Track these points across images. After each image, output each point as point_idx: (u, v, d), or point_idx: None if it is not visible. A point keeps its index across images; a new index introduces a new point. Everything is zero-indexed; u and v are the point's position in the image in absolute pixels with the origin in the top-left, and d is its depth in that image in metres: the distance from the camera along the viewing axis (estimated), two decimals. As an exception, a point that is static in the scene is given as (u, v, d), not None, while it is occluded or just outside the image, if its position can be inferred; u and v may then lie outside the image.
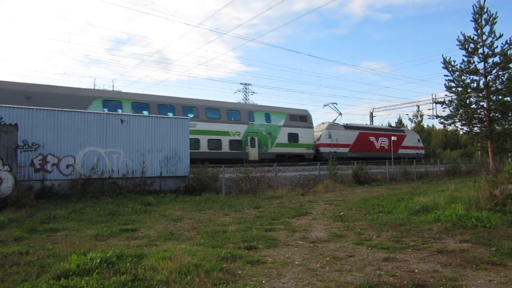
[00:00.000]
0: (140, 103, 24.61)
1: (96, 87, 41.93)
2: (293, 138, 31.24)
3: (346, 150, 34.52)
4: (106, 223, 9.49)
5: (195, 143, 24.81)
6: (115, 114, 17.03)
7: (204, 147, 25.95)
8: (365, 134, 36.95)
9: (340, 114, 39.93)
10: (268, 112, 30.93)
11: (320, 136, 33.57)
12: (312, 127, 32.99)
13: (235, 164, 20.51)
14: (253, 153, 28.63)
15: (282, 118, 31.15)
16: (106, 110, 21.98)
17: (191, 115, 25.32)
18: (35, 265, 5.63)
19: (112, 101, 23.79)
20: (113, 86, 52.81)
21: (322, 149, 33.00)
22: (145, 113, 23.32)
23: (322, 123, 35.93)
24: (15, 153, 12.78)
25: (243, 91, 65.00)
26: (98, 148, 15.73)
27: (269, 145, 29.76)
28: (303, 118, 32.53)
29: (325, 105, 42.73)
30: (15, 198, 12.05)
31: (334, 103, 44.78)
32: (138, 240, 7.59)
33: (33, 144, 14.36)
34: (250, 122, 29.13)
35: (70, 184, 14.97)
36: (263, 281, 5.02)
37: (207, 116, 26.96)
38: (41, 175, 14.44)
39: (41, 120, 14.57)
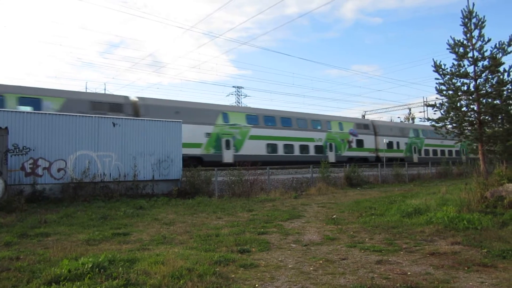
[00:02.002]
0: (389, 127, 41.86)
1: (87, 91, 41.79)
2: None
3: None
4: (98, 227, 9.41)
5: (436, 152, 43.75)
6: (107, 117, 16.91)
7: (438, 154, 43.72)
8: None
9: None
10: None
11: None
12: None
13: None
14: (463, 158, 44.29)
15: None
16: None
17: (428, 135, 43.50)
18: (26, 270, 5.55)
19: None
20: (105, 90, 52.48)
21: None
22: (404, 139, 41.88)
23: None
24: (5, 157, 12.65)
25: (235, 94, 65.11)
26: (89, 151, 15.61)
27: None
28: None
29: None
30: (5, 203, 11.89)
31: None
32: (131, 244, 7.53)
33: (24, 148, 14.22)
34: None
35: (62, 188, 14.82)
36: (256, 285, 5.01)
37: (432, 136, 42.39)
38: (32, 179, 14.30)
39: (32, 124, 14.43)
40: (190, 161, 22.80)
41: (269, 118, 31.04)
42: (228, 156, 27.53)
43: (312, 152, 32.39)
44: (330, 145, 34.15)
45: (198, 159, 25.40)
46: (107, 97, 25.93)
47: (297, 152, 31.66)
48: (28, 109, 19.71)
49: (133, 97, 25.76)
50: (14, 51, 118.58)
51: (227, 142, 27.78)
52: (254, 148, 28.76)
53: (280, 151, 30.64)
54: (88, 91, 41.28)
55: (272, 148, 30.24)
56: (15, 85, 23.96)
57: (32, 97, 21.44)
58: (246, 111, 31.43)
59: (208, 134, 26.95)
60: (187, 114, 25.78)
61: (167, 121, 18.47)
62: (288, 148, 31.19)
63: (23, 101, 21.15)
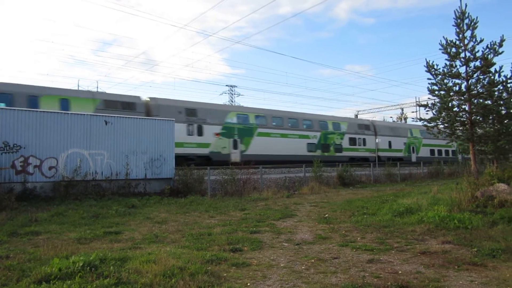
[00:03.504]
0: None
1: (80, 88, 41.56)
2: None
3: None
4: (89, 226, 9.36)
5: None
6: (99, 115, 16.79)
7: None
8: None
9: None
10: None
11: None
12: None
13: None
14: None
15: None
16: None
17: None
18: (16, 269, 5.50)
19: None
20: (97, 88, 52.14)
21: None
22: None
23: None
24: (-5, 154, 12.51)
25: (229, 93, 65.07)
26: (81, 149, 15.50)
27: None
28: None
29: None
30: (-5, 201, 11.78)
31: None
32: (122, 243, 7.50)
33: (15, 145, 14.08)
34: None
35: (53, 186, 14.70)
36: (248, 284, 5.01)
37: None
38: (22, 177, 14.16)
39: (23, 121, 14.28)
40: (396, 160, 33.79)
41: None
42: (413, 157, 43.71)
43: (450, 154, 48.15)
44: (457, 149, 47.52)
45: (400, 159, 39.25)
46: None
47: (443, 154, 46.95)
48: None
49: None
50: (5, 48, 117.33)
51: (413, 148, 44.69)
52: (424, 152, 45.19)
53: (435, 154, 45.98)
54: (80, 89, 41.17)
55: (432, 151, 46.39)
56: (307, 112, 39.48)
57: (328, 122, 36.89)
58: (418, 127, 44.21)
59: (404, 143, 43.81)
60: (396, 131, 43.55)
61: (160, 120, 18.40)
62: (438, 152, 47.11)
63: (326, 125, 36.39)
